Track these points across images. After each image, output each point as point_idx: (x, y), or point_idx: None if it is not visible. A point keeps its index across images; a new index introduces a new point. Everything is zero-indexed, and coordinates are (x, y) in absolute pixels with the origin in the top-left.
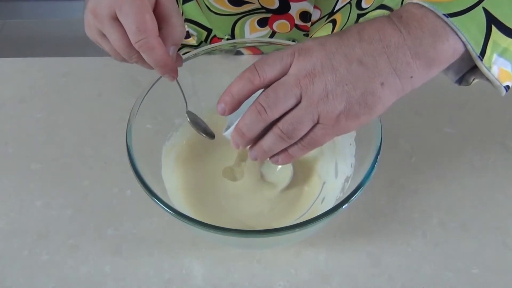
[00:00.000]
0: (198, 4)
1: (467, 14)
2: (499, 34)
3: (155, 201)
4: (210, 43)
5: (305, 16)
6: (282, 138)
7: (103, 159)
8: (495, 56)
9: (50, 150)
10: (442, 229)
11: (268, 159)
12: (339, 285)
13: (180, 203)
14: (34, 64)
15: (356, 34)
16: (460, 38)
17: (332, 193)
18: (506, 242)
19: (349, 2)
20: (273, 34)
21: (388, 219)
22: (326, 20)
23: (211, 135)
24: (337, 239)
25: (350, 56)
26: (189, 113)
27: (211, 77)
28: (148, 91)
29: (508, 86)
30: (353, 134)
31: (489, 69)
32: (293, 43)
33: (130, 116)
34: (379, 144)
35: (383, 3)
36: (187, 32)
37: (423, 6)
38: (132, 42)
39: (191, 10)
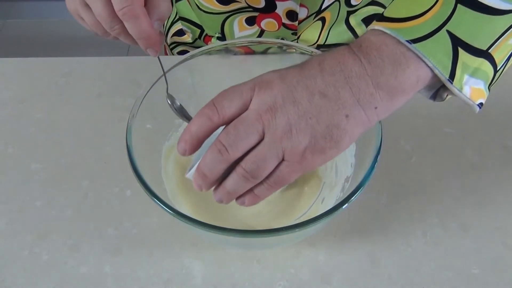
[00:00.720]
0: (189, 3)
1: (431, 38)
2: (467, 56)
3: (155, 201)
4: (204, 40)
5: (292, 15)
6: (246, 178)
7: (103, 159)
8: (466, 77)
9: (50, 150)
10: (442, 229)
11: (234, 200)
12: (339, 285)
13: (180, 203)
14: (34, 64)
15: (317, 65)
16: (426, 64)
17: (332, 193)
18: (506, 242)
19: (338, 0)
20: (261, 33)
21: (388, 219)
22: (314, 18)
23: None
24: (337, 239)
25: (312, 88)
26: (169, 96)
27: (211, 77)
28: (148, 91)
29: (481, 103)
30: None
31: (460, 90)
32: (283, 41)
33: (130, 116)
34: (379, 144)
35: None
36: (182, 29)
37: (383, 32)
38: (116, 9)
39: (184, 8)
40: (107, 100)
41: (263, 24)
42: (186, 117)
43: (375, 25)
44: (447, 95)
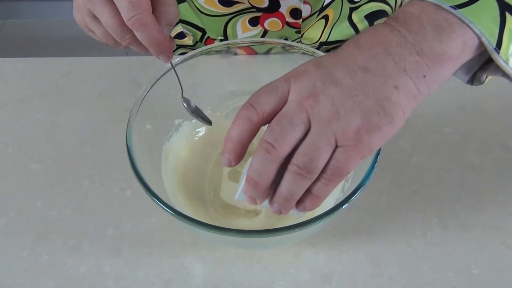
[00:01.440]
0: (190, 6)
1: (476, 3)
2: None
3: (155, 201)
4: (206, 43)
5: (295, 13)
6: (301, 174)
7: (103, 159)
8: None
9: (50, 150)
10: (442, 229)
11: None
12: (339, 285)
13: (180, 203)
14: (34, 64)
15: (352, 45)
16: (472, 30)
17: (332, 193)
18: (506, 242)
19: None
20: (265, 33)
21: (388, 219)
22: (318, 16)
23: (208, 121)
24: (337, 239)
25: (352, 65)
26: (184, 99)
27: (211, 78)
28: (148, 91)
29: None
30: None
31: (506, 62)
32: (285, 41)
33: (130, 116)
34: None
35: None
36: (182, 32)
37: (421, 1)
38: (125, 19)
39: (185, 10)
40: (107, 100)
41: (267, 24)
42: (203, 118)
43: None
44: (486, 77)
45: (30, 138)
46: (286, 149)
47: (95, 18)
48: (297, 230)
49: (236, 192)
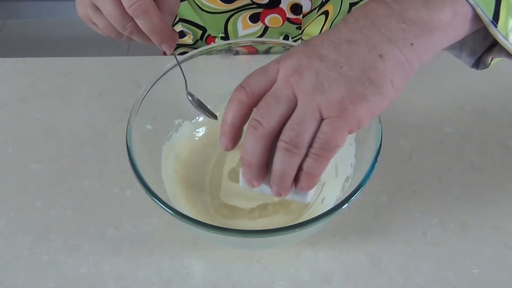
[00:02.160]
0: (190, 5)
1: None
2: None
3: (155, 201)
4: (206, 41)
5: (296, 8)
6: (289, 150)
7: (103, 159)
8: (511, 21)
9: (50, 150)
10: (442, 229)
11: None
12: (339, 285)
13: (180, 203)
14: (34, 64)
15: (340, 22)
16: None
17: (332, 193)
18: (506, 242)
19: None
20: (265, 29)
21: (388, 219)
22: (318, 11)
23: (213, 116)
24: (337, 239)
25: (338, 39)
26: (189, 94)
27: (212, 77)
28: (148, 91)
29: None
30: (353, 134)
31: (506, 37)
32: (286, 41)
33: (130, 116)
34: (379, 144)
35: None
36: (182, 31)
37: None
38: (126, 6)
39: (185, 9)
40: (107, 100)
41: (267, 20)
42: (206, 110)
43: None
44: (491, 60)
45: (30, 138)
46: (273, 125)
47: (97, 9)
48: (297, 230)
49: (240, 180)
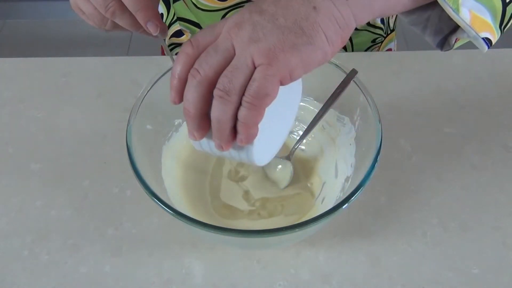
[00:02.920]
0: (185, 3)
1: None
2: None
3: (155, 201)
4: None
5: None
6: (222, 97)
7: (103, 159)
8: None
9: (50, 150)
10: (442, 229)
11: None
12: (339, 285)
13: (180, 203)
14: (34, 64)
15: None
16: None
17: (332, 193)
18: (506, 242)
19: None
20: None
21: (388, 219)
22: None
23: None
24: (337, 239)
25: None
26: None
27: None
28: (148, 91)
29: (488, 40)
30: (353, 134)
31: (456, 11)
32: None
33: (130, 116)
34: (379, 144)
35: None
36: (180, 30)
37: None
38: None
39: (181, 8)
40: (107, 100)
41: None
42: None
43: None
44: (455, 41)
45: (30, 138)
46: (209, 73)
47: None
48: (297, 230)
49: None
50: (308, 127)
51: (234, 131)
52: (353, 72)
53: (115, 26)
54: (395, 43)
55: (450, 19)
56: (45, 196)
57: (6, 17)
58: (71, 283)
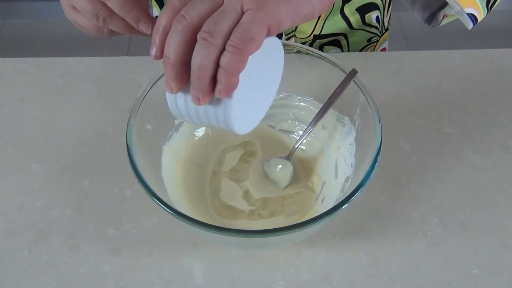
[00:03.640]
0: None
1: None
2: None
3: (155, 201)
4: None
5: None
6: (205, 39)
7: (103, 159)
8: None
9: (50, 150)
10: (442, 229)
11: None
12: (339, 285)
13: (180, 203)
14: (34, 64)
15: None
16: None
17: (332, 193)
18: (506, 242)
19: None
20: None
21: (388, 219)
22: None
23: None
24: (337, 239)
25: None
26: None
27: None
28: (148, 91)
29: (473, 16)
30: (353, 134)
31: None
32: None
33: (130, 116)
34: (379, 144)
35: None
36: None
37: None
38: None
39: None
40: (107, 100)
41: None
42: None
43: None
44: (443, 17)
45: (30, 138)
46: (194, 19)
47: (75, 9)
48: (297, 230)
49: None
50: (308, 127)
51: (214, 83)
52: (353, 72)
53: (112, 32)
54: (387, 42)
55: None
56: (45, 196)
57: (6, 17)
58: (71, 283)
